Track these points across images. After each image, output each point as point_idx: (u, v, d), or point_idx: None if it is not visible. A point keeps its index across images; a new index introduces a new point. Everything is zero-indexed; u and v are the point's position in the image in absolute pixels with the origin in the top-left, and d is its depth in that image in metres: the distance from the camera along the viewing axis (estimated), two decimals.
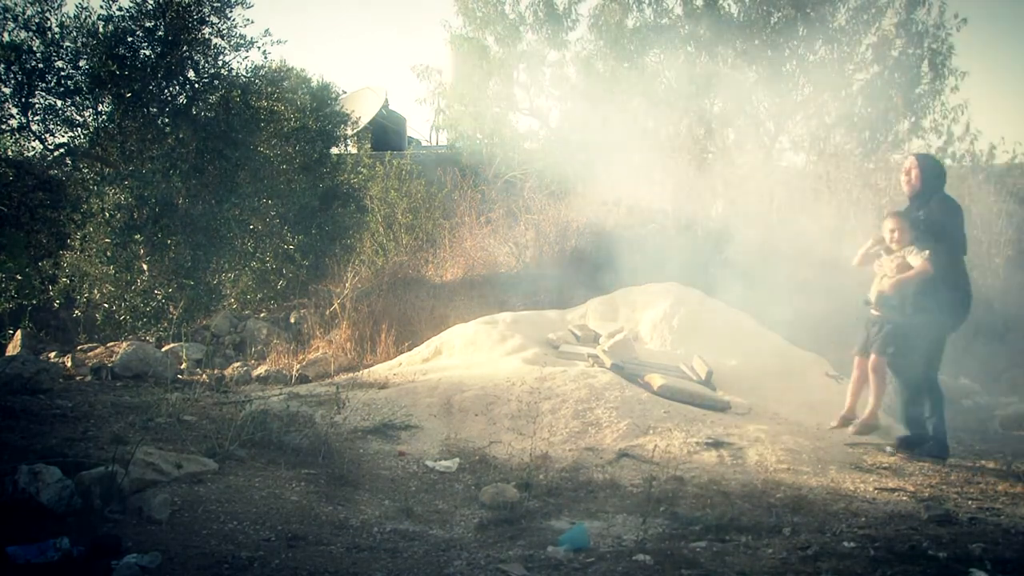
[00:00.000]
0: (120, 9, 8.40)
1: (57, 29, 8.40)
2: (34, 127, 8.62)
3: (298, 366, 7.16)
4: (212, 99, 8.81)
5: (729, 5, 12.31)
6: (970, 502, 4.07)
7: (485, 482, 4.33)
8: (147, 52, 8.54)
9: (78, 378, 6.46)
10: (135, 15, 8.43)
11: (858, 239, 5.66)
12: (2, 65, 8.21)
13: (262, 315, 9.24)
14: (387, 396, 5.80)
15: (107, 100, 8.57)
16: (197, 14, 8.54)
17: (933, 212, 4.94)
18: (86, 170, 8.77)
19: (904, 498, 4.13)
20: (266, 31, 11.73)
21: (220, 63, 8.82)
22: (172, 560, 3.10)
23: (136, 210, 8.16)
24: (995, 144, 9.75)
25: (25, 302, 8.48)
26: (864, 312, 5.17)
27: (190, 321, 8.21)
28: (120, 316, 8.31)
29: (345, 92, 13.13)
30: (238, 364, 7.43)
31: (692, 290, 7.50)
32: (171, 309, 7.98)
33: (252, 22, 14.28)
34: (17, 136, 8.74)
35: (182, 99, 8.72)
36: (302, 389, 6.24)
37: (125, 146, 8.51)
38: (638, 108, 11.52)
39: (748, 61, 11.71)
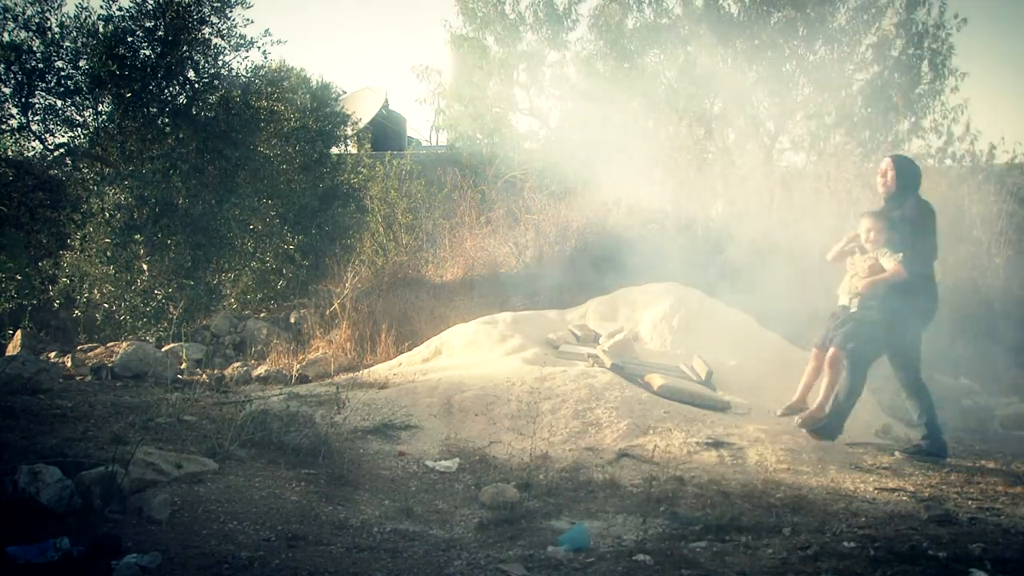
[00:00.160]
0: (120, 9, 8.41)
1: (57, 29, 8.42)
2: (34, 127, 8.63)
3: (298, 366, 7.16)
4: (212, 99, 8.81)
5: (729, 5, 12.30)
6: (970, 502, 4.07)
7: (485, 482, 4.33)
8: (147, 52, 8.55)
9: (78, 378, 6.46)
10: (135, 15, 8.43)
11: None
12: (2, 65, 8.21)
13: (262, 315, 9.25)
14: (387, 396, 5.80)
15: (107, 100, 8.58)
16: (197, 14, 8.54)
17: (908, 214, 4.97)
18: (86, 170, 8.78)
19: (904, 498, 4.13)
20: (266, 31, 11.73)
21: (220, 63, 8.83)
22: (172, 560, 3.10)
23: (136, 210, 8.17)
24: (995, 144, 9.73)
25: (25, 302, 8.49)
26: (833, 306, 5.23)
27: (190, 321, 8.21)
28: (120, 316, 8.31)
29: (345, 92, 13.13)
30: (238, 364, 7.43)
31: (692, 290, 7.50)
32: (171, 309, 7.98)
33: (252, 22, 14.27)
34: (17, 136, 8.75)
35: (182, 99, 8.72)
36: (302, 389, 6.24)
37: (125, 146, 8.51)
38: (638, 108, 11.52)
39: (748, 61, 11.71)
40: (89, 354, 7.40)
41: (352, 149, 14.52)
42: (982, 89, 39.86)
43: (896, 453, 5.02)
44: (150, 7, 8.45)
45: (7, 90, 8.37)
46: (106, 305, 8.37)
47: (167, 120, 8.59)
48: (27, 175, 8.72)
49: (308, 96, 10.28)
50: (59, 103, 8.54)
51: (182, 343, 7.39)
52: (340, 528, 3.66)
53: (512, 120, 14.73)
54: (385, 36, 63.19)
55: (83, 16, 8.44)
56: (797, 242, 7.66)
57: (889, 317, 4.89)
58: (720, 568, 3.08)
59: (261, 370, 7.10)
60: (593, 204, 9.63)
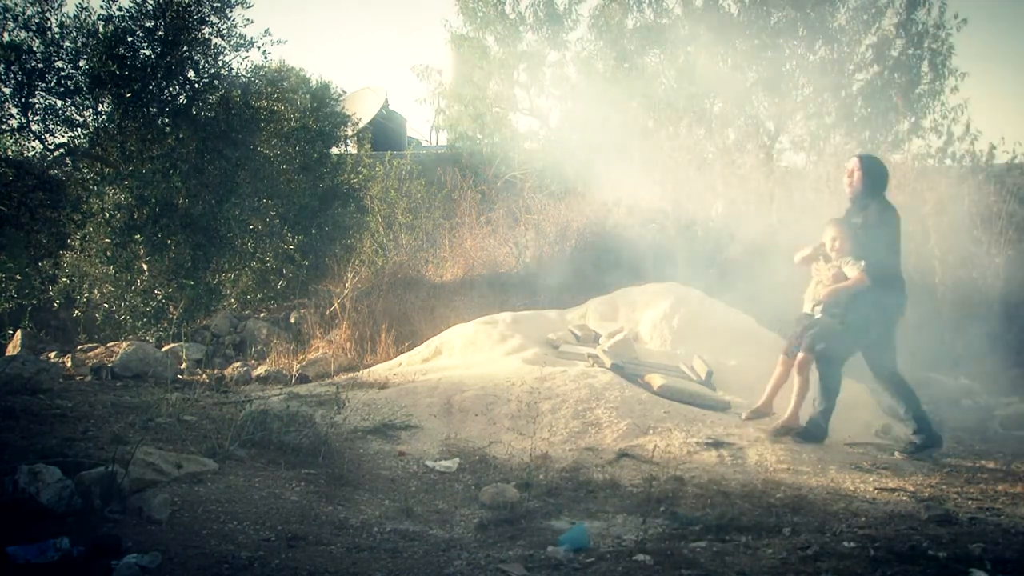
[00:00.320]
0: (120, 9, 8.43)
1: (57, 29, 8.43)
2: (34, 127, 8.63)
3: (298, 366, 7.16)
4: (212, 99, 8.82)
5: (729, 5, 12.31)
6: (970, 502, 4.07)
7: (485, 482, 4.33)
8: (147, 52, 8.56)
9: (78, 378, 6.46)
10: (135, 15, 8.44)
11: None
12: (2, 65, 8.22)
13: (262, 315, 9.24)
14: (387, 396, 5.80)
15: (107, 100, 8.58)
16: (197, 14, 8.55)
17: (870, 219, 4.98)
18: (86, 170, 8.79)
19: (904, 498, 4.13)
20: (266, 31, 11.75)
21: (220, 63, 8.84)
22: (172, 560, 3.09)
23: (136, 210, 8.17)
24: (995, 144, 9.73)
25: (25, 302, 8.49)
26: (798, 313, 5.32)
27: (190, 321, 8.21)
28: (120, 316, 8.32)
29: (345, 92, 13.13)
30: (238, 364, 7.43)
31: (692, 290, 7.50)
32: (171, 309, 7.99)
33: (252, 22, 14.29)
34: (17, 136, 8.76)
35: (182, 99, 8.73)
36: (302, 389, 6.23)
37: (125, 146, 8.51)
38: (638, 108, 11.52)
39: (748, 61, 11.70)
40: (89, 354, 7.40)
41: (352, 149, 14.52)
42: (982, 89, 39.88)
43: (895, 454, 5.03)
44: (150, 7, 8.45)
45: (7, 90, 8.39)
46: (106, 305, 8.38)
47: (167, 120, 8.60)
48: (27, 175, 8.73)
49: (308, 96, 10.28)
50: (59, 103, 8.57)
51: (182, 343, 7.39)
52: (340, 528, 3.66)
53: (512, 120, 14.74)
54: (385, 36, 63.16)
55: (83, 16, 8.45)
56: (797, 242, 7.64)
57: (854, 322, 4.94)
58: (720, 568, 3.08)
59: (261, 370, 7.10)
60: (593, 204, 9.63)
